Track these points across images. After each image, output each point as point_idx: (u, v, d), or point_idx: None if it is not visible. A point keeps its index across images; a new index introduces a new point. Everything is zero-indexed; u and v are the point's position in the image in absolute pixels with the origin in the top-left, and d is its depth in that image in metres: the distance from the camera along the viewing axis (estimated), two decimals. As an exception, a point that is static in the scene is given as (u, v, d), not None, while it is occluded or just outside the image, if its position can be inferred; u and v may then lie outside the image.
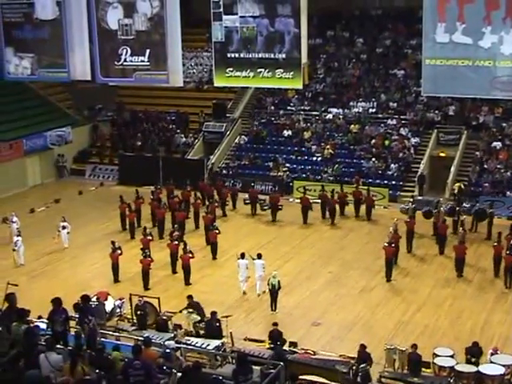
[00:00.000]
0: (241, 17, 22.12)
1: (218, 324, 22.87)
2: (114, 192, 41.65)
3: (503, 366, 20.41)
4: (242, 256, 28.81)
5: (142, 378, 13.44)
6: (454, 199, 39.19)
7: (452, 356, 21.04)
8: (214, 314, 23.15)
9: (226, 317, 23.50)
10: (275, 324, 22.65)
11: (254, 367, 15.14)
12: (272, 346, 21.74)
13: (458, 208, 36.30)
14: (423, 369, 20.84)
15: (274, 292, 26.81)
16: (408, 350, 21.07)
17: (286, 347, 21.75)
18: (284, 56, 21.92)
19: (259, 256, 28.71)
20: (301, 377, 18.51)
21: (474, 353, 20.99)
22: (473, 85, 21.99)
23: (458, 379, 20.00)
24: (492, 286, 29.16)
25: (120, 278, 29.82)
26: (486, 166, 41.50)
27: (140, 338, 18.76)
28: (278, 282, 26.84)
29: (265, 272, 28.23)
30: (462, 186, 39.98)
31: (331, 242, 34.76)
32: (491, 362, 20.69)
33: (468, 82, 21.82)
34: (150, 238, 31.84)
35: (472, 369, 20.26)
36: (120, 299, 25.26)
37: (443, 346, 21.90)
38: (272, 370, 15.72)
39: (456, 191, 39.80)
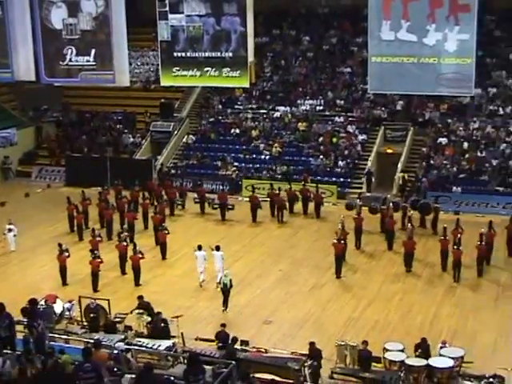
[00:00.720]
0: (187, 16, 22.08)
1: (163, 324, 22.71)
2: (61, 194, 41.19)
3: (452, 358, 20.69)
4: (200, 248, 29.12)
5: (93, 381, 13.33)
6: (402, 195, 39.64)
7: (402, 350, 21.22)
8: (158, 314, 23.03)
9: (177, 317, 23.38)
10: (223, 325, 22.51)
11: (205, 367, 15.11)
12: (221, 345, 21.66)
13: (404, 204, 36.69)
14: (374, 364, 20.98)
15: (225, 291, 26.80)
16: (359, 346, 21.20)
17: (237, 346, 21.71)
18: (231, 55, 21.95)
19: (217, 248, 29.01)
20: (254, 375, 18.51)
21: (422, 349, 21.16)
22: (418, 82, 22.24)
23: (408, 373, 20.19)
24: (440, 280, 29.50)
25: (69, 281, 29.50)
26: (432, 162, 41.99)
27: (90, 341, 18.58)
28: (230, 280, 26.85)
29: (224, 263, 28.60)
30: (406, 177, 40.84)
31: (281, 240, 34.85)
32: (440, 355, 20.94)
33: (414, 79, 22.07)
34: (99, 239, 31.61)
35: (422, 362, 20.46)
36: (69, 302, 24.97)
37: (394, 341, 22.05)
38: (224, 370, 15.71)
39: (400, 182, 40.53)
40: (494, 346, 23.41)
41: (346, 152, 43.81)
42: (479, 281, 29.41)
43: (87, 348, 14.55)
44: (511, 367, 21.23)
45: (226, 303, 26.77)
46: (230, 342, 21.13)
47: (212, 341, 22.63)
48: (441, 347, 21.35)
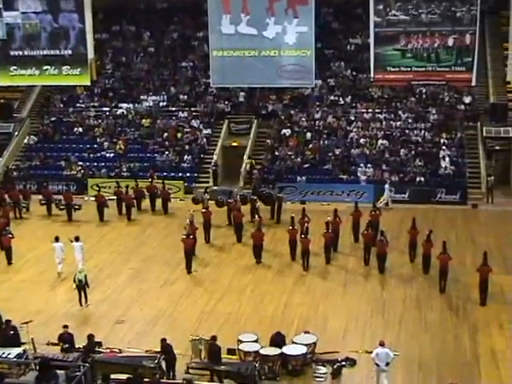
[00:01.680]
0: (22, 13, 21.58)
1: (12, 332, 22.06)
2: None
3: (305, 345, 21.17)
4: (57, 239, 29.42)
5: None
6: (251, 181, 40.15)
7: (256, 341, 21.50)
8: (7, 322, 22.36)
9: (26, 323, 22.77)
10: (65, 326, 22.01)
11: (59, 372, 14.80)
12: (66, 347, 21.23)
13: (252, 196, 37.06)
14: (229, 356, 21.16)
15: (81, 287, 26.36)
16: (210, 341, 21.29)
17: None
18: (70, 52, 21.64)
19: (77, 239, 29.45)
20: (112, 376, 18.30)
21: (278, 341, 21.44)
22: (260, 74, 22.62)
23: (263, 362, 20.48)
24: (290, 270, 30.00)
25: None
26: (277, 154, 42.67)
27: None
28: (85, 276, 26.48)
29: (83, 253, 29.22)
30: (254, 162, 41.46)
31: (130, 238, 34.57)
32: (293, 343, 21.36)
33: (255, 72, 22.43)
34: None
35: (276, 351, 20.82)
36: None
37: (247, 332, 22.31)
38: (78, 373, 15.44)
39: (248, 168, 41.24)
40: (344, 330, 24.00)
41: (190, 147, 43.92)
42: (327, 268, 30.11)
43: None
44: (361, 349, 22.00)
45: (81, 300, 26.33)
46: (87, 340, 20.86)
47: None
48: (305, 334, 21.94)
